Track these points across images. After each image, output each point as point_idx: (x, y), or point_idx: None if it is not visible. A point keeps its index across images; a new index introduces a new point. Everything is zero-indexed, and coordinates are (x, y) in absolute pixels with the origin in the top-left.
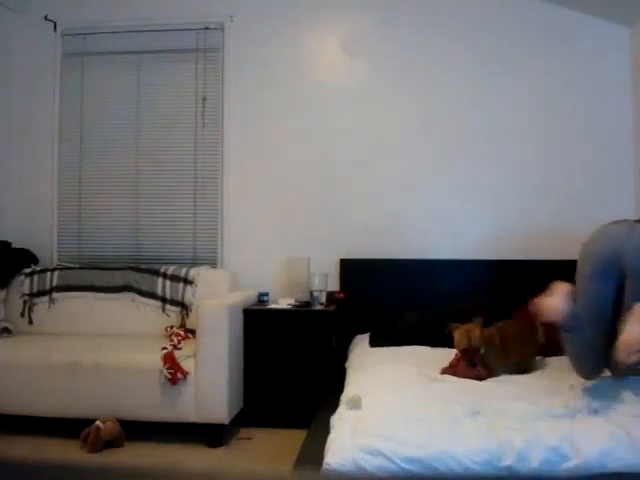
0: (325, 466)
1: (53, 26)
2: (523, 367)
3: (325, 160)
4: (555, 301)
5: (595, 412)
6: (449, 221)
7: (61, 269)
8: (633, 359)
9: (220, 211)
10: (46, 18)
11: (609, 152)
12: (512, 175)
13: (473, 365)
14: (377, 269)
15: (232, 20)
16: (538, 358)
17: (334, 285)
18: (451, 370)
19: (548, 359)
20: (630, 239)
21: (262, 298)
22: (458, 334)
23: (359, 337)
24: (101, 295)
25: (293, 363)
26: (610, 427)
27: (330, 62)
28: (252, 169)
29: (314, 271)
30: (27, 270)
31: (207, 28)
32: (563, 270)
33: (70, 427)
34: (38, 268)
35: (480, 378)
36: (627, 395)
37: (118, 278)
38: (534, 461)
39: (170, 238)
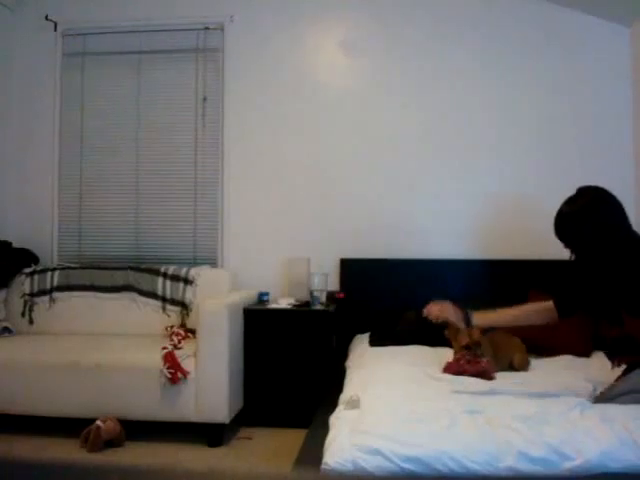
0: (324, 466)
1: (53, 26)
2: (515, 365)
3: (325, 160)
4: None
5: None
6: (449, 221)
7: (61, 269)
8: None
9: (220, 211)
10: (46, 18)
11: (609, 152)
12: (512, 176)
13: (478, 357)
14: (377, 269)
15: (232, 20)
16: (533, 358)
17: (334, 285)
18: (455, 366)
19: (547, 359)
20: None
21: (262, 298)
22: (461, 333)
23: (359, 337)
24: (101, 295)
25: (293, 363)
26: (613, 427)
27: (330, 62)
28: (252, 169)
29: (314, 271)
30: (27, 270)
31: (207, 28)
32: (563, 270)
33: (70, 427)
34: (38, 268)
35: (485, 373)
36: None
37: (118, 278)
38: (534, 461)
39: (170, 238)
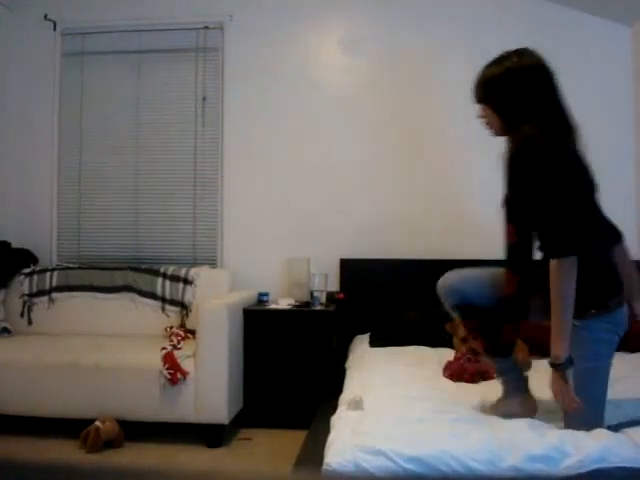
0: (325, 466)
1: (53, 26)
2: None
3: (325, 160)
4: None
5: None
6: (449, 221)
7: (61, 269)
8: None
9: (220, 211)
10: (46, 18)
11: (609, 152)
12: None
13: (475, 355)
14: (377, 269)
15: (232, 20)
16: (534, 359)
17: (334, 285)
18: (456, 366)
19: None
20: None
21: (262, 298)
22: (460, 326)
23: (359, 337)
24: (101, 295)
25: (293, 363)
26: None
27: (330, 62)
28: (252, 169)
29: (314, 271)
30: (26, 270)
31: (207, 28)
32: None
33: (69, 427)
34: (37, 268)
35: (486, 372)
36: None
37: (118, 278)
38: (536, 459)
39: (170, 238)
